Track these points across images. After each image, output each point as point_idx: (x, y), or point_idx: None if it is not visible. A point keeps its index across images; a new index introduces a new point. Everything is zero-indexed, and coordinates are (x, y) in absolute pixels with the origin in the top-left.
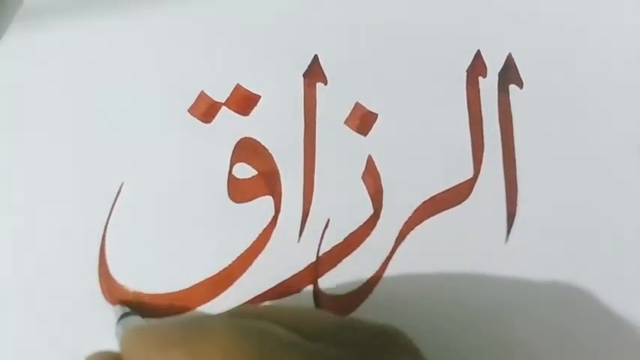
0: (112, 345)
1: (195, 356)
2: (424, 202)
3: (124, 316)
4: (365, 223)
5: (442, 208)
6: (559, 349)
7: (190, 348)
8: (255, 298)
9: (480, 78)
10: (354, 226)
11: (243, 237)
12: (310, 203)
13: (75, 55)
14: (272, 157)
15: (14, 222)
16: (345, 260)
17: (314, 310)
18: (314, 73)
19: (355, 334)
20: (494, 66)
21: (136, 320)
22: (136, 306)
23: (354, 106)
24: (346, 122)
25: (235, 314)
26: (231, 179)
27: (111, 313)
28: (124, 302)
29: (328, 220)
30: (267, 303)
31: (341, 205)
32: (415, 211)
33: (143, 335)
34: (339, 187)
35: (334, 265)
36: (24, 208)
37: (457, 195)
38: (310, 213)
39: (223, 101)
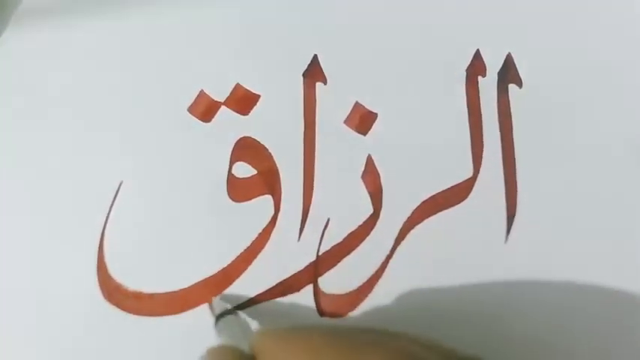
0: (112, 345)
1: None
2: (424, 202)
3: (224, 314)
4: (365, 222)
5: (442, 208)
6: (559, 348)
7: None
8: (255, 297)
9: (480, 78)
10: (353, 226)
11: (243, 236)
12: (310, 202)
13: (74, 54)
14: (272, 157)
15: (13, 221)
16: (344, 260)
17: (436, 341)
18: (314, 73)
19: None
20: (493, 66)
21: (238, 319)
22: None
23: (354, 106)
24: (346, 122)
25: (380, 332)
26: (231, 178)
27: (110, 313)
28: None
29: (328, 220)
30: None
31: (341, 204)
32: (415, 210)
33: (288, 341)
34: (339, 186)
35: (334, 265)
36: (23, 206)
37: (457, 195)
38: (310, 212)
39: (223, 100)
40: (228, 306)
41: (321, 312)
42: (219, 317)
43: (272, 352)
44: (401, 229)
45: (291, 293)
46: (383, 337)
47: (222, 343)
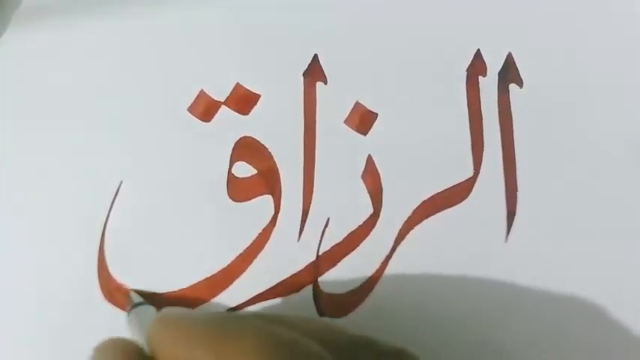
0: None
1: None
2: (424, 202)
3: (137, 305)
4: (365, 222)
5: (442, 208)
6: (558, 349)
7: (217, 351)
8: (254, 297)
9: (480, 77)
10: (353, 226)
11: (243, 236)
12: (310, 202)
13: (75, 54)
14: (272, 156)
15: (13, 221)
16: (344, 259)
17: (326, 322)
18: (314, 73)
19: (371, 355)
20: (494, 65)
21: (150, 311)
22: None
23: (354, 106)
24: (346, 121)
25: (262, 318)
26: (231, 178)
27: (109, 313)
28: (137, 291)
29: (328, 220)
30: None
31: (341, 204)
32: (415, 210)
33: (174, 326)
34: (339, 186)
35: (334, 265)
36: (23, 206)
37: (457, 194)
38: (310, 212)
39: (223, 100)
40: (141, 299)
41: (321, 312)
42: (131, 309)
43: (159, 336)
44: (401, 229)
45: (291, 293)
46: (268, 322)
47: (131, 334)
